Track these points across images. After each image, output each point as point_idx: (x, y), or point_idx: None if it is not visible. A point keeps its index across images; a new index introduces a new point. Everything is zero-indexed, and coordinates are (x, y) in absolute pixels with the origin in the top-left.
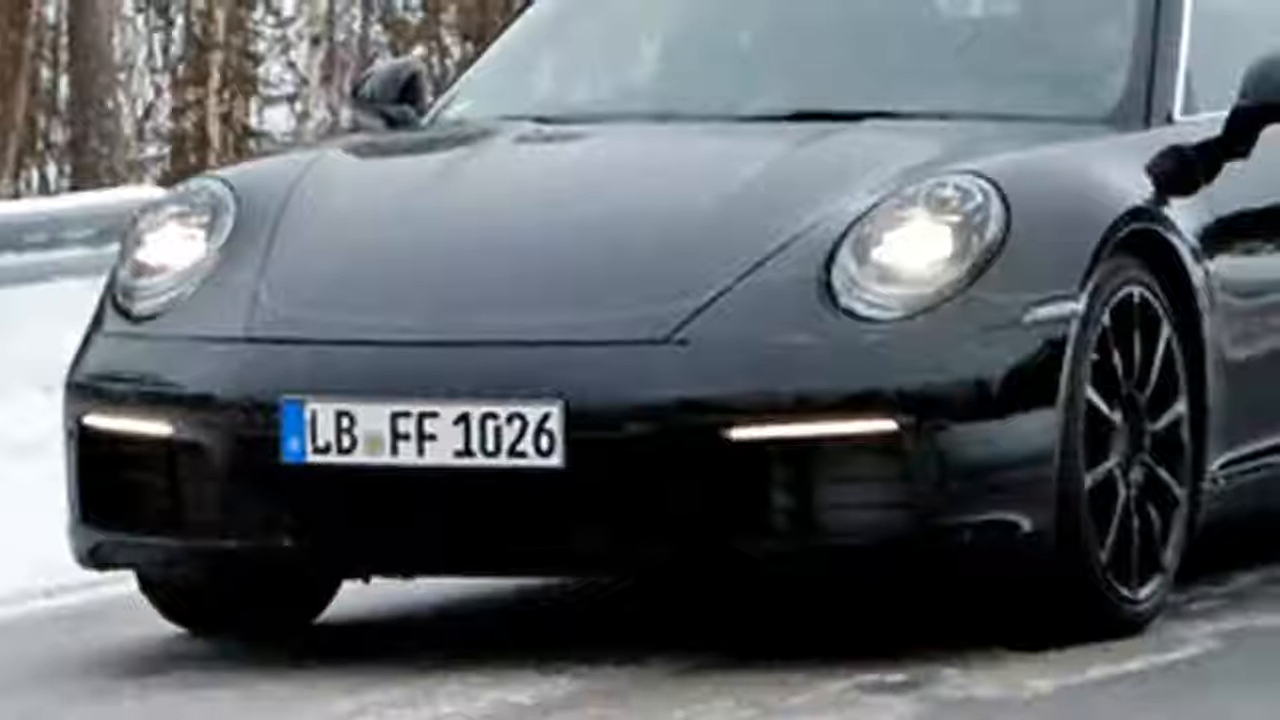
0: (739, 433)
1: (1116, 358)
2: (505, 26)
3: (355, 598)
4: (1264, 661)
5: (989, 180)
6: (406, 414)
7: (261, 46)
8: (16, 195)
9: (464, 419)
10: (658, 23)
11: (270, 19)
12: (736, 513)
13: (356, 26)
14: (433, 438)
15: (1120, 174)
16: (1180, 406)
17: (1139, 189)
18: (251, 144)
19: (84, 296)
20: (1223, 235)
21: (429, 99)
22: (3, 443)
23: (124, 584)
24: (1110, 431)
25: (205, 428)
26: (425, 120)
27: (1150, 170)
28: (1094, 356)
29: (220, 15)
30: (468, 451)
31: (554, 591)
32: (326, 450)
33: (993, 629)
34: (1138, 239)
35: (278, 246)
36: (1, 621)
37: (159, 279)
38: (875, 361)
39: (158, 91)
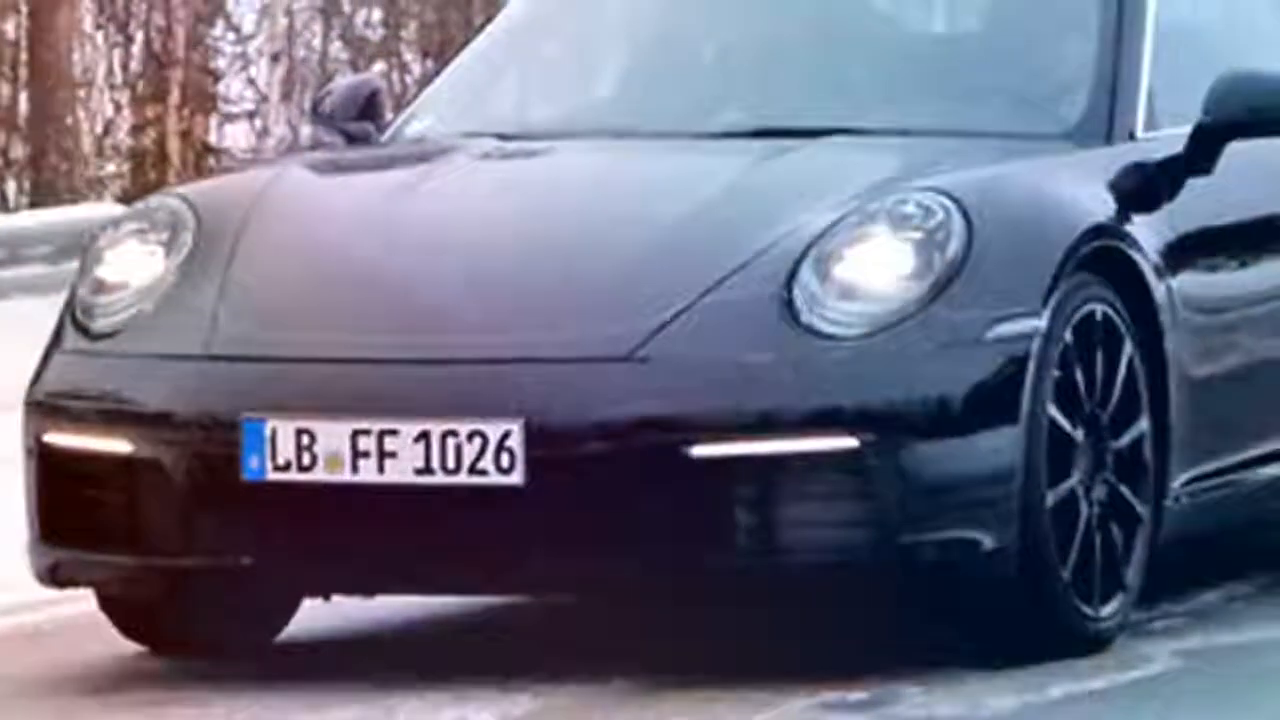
0: (700, 450)
1: (1079, 375)
2: (466, 43)
3: (316, 616)
4: (1226, 680)
5: (951, 197)
6: (367, 431)
7: (221, 63)
8: None
9: (424, 436)
10: (620, 39)
11: (230, 35)
12: (698, 531)
13: (316, 43)
14: (393, 455)
15: (1082, 191)
16: (1143, 424)
17: (1101, 206)
18: (211, 161)
19: (43, 314)
20: (1185, 252)
21: (389, 116)
22: None
23: (84, 602)
24: (1072, 449)
25: (165, 445)
26: (385, 137)
27: (1112, 187)
28: (1056, 374)
29: (180, 32)
30: (428, 469)
31: (515, 609)
32: (287, 468)
33: (954, 647)
34: (1100, 256)
35: (237, 264)
36: None
37: (118, 296)
38: (837, 379)
39: (117, 108)
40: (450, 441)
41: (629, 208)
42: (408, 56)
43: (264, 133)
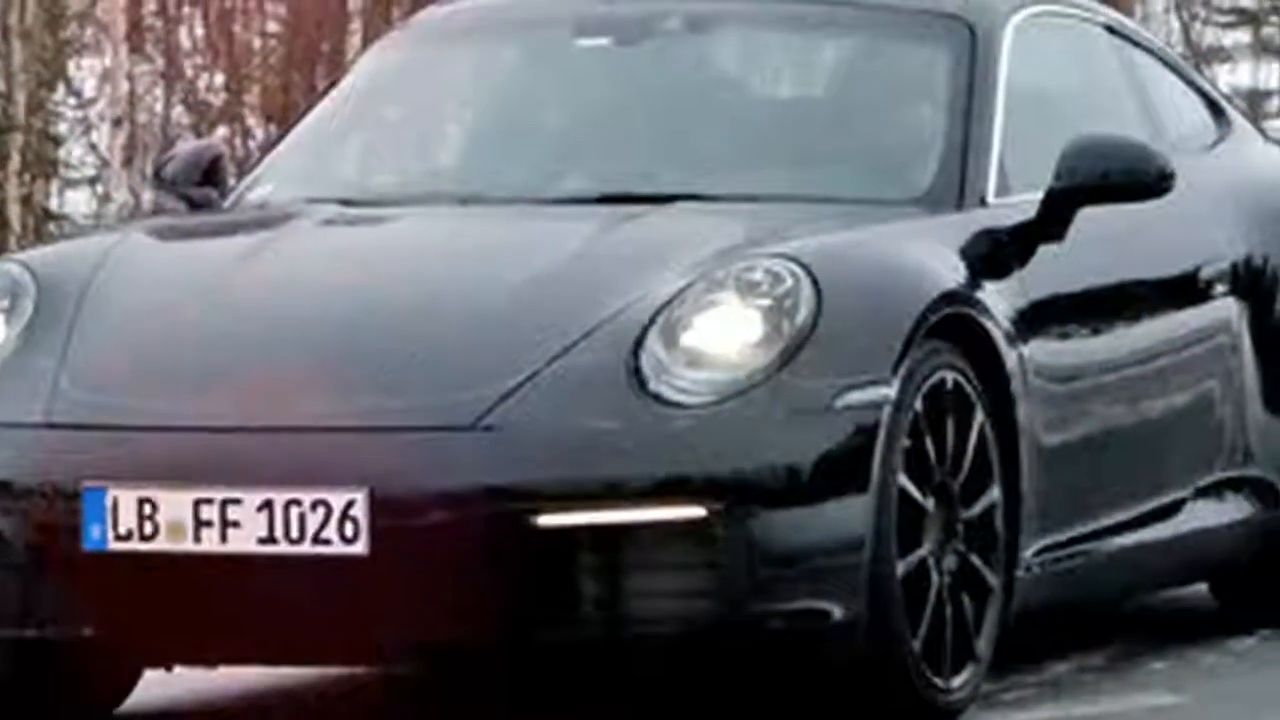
0: (546, 519)
1: (929, 444)
2: (309, 108)
3: (157, 687)
4: None
5: (800, 263)
6: (209, 500)
7: (63, 128)
8: None
9: (267, 505)
10: (464, 105)
11: (71, 100)
12: (544, 601)
13: (159, 108)
14: (236, 524)
15: (933, 257)
16: (994, 493)
17: (952, 272)
18: (52, 227)
19: None
20: (1037, 319)
21: (232, 181)
22: None
23: None
24: (923, 519)
25: (5, 515)
26: (228, 203)
27: (963, 253)
28: (906, 442)
29: (20, 97)
30: (271, 539)
31: (360, 681)
32: (128, 538)
33: (804, 718)
34: (951, 323)
35: (79, 331)
36: None
37: None
38: (684, 447)
39: None
40: (294, 511)
41: (474, 274)
42: (251, 121)
43: (106, 198)
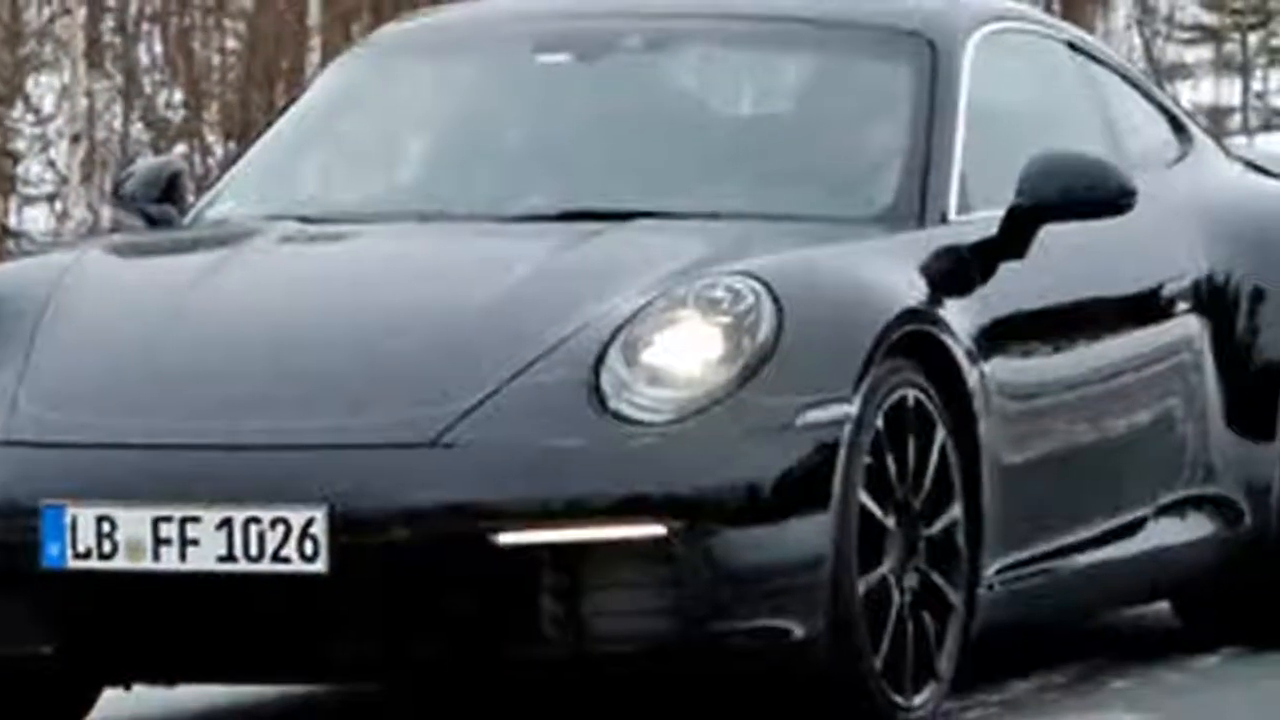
0: (507, 537)
1: (890, 461)
2: (269, 125)
3: (117, 705)
4: None
5: (760, 281)
6: (168, 518)
7: (20, 144)
8: None
9: (227, 523)
10: (424, 122)
11: (29, 117)
12: (505, 619)
13: (117, 124)
14: (195, 542)
15: (894, 275)
16: (955, 511)
17: (913, 290)
18: (10, 244)
19: None
20: (998, 337)
21: (191, 198)
22: None
23: None
24: (884, 536)
25: None
26: (187, 220)
27: (924, 271)
28: (867, 460)
29: None
30: (231, 557)
31: (319, 699)
32: (87, 556)
33: None
34: (912, 341)
35: (37, 349)
36: None
37: None
38: (644, 465)
39: None
40: (253, 529)
41: (434, 291)
42: (210, 138)
43: (64, 215)
